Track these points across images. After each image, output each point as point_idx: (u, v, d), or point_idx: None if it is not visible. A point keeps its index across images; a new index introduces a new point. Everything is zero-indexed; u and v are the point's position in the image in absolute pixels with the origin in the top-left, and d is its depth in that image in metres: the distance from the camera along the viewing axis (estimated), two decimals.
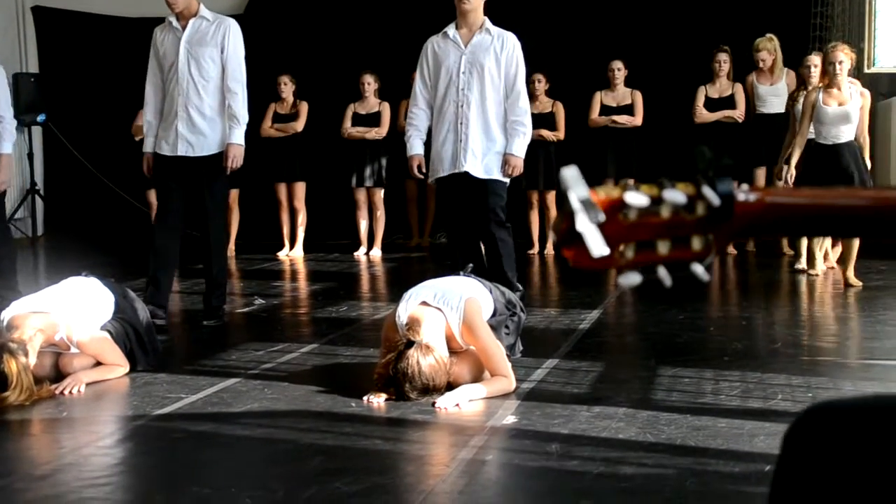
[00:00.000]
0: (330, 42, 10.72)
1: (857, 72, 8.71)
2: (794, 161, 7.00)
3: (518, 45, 5.45)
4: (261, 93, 9.79)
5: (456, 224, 5.61)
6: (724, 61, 8.89)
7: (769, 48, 8.61)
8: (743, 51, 9.07)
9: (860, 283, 6.63)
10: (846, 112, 6.72)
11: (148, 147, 5.71)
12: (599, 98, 9.24)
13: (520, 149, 5.41)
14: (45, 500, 2.81)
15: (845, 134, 6.75)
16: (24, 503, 2.79)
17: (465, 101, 5.37)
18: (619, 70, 9.19)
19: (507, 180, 5.47)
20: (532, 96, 9.30)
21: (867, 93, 7.01)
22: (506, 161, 5.38)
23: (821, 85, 6.95)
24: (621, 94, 9.22)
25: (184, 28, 5.60)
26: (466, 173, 5.39)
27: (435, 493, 2.79)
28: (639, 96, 9.17)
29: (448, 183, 5.50)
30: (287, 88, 9.56)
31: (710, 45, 9.13)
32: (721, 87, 8.91)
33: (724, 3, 9.97)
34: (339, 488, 2.83)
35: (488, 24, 5.43)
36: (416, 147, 5.55)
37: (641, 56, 9.64)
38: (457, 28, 5.43)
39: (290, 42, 10.80)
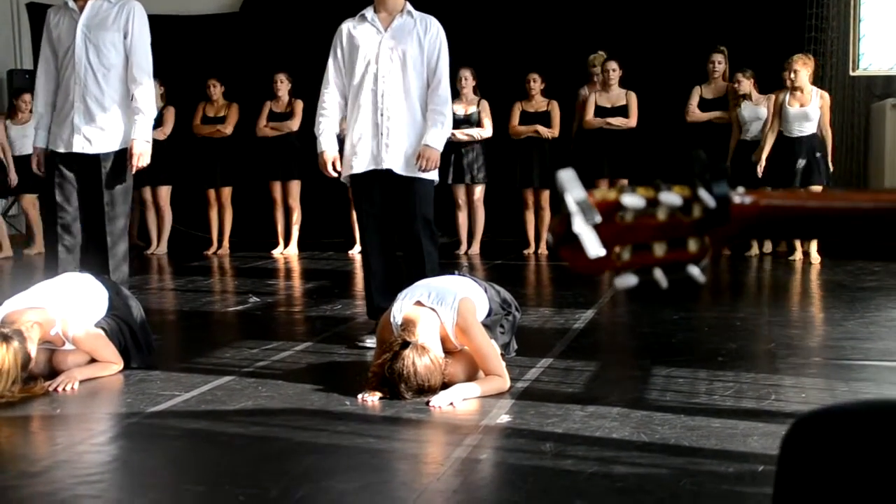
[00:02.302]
0: (324, 41, 10.70)
1: (842, 75, 8.84)
2: (765, 153, 8.21)
3: (442, 29, 4.95)
4: (256, 91, 9.82)
5: (372, 228, 5.01)
6: (718, 62, 8.93)
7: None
8: (739, 52, 9.11)
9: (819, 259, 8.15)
10: (805, 112, 8.07)
11: (39, 142, 5.27)
12: (594, 99, 9.24)
13: (437, 140, 4.86)
14: (38, 496, 2.81)
15: (806, 129, 8.09)
16: (19, 500, 2.79)
17: (386, 91, 4.85)
18: (614, 71, 9.20)
19: (436, 179, 4.98)
20: (528, 95, 9.37)
21: (826, 95, 8.27)
22: (420, 153, 4.83)
23: (787, 89, 8.18)
24: (616, 94, 9.23)
25: (81, 10, 5.16)
26: (389, 171, 4.88)
27: (429, 492, 2.79)
28: (633, 97, 9.18)
29: (365, 181, 4.95)
30: (283, 87, 9.56)
31: (705, 45, 9.15)
32: (716, 87, 8.93)
33: (719, 4, 9.99)
34: (333, 486, 2.83)
35: (409, 6, 4.95)
36: (328, 143, 4.95)
37: (636, 57, 9.65)
38: (375, 11, 4.95)
39: (285, 40, 10.79)
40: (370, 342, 4.74)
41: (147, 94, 5.22)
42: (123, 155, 5.20)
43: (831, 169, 8.17)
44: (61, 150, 5.21)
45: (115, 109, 5.19)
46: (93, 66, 5.14)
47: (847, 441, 1.25)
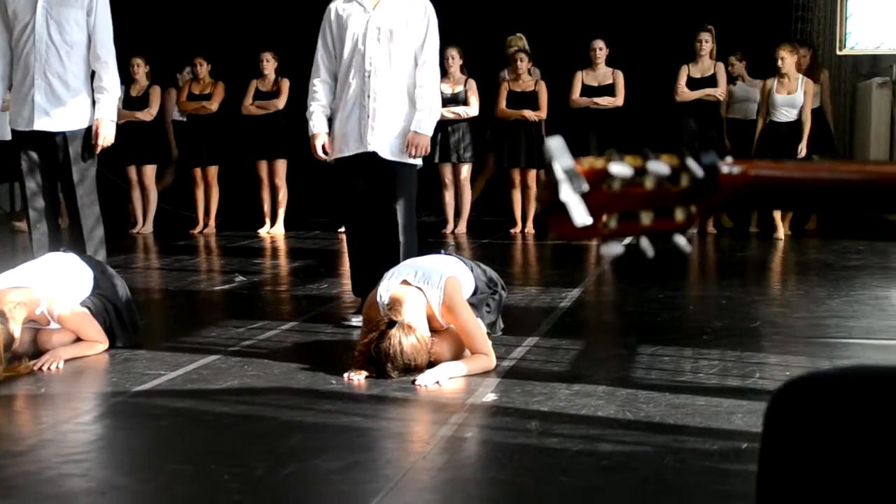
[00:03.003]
0: (311, 19, 10.65)
1: (828, 54, 8.90)
2: (756, 137, 8.62)
3: (431, 8, 4.84)
4: (243, 70, 9.76)
5: (357, 213, 4.96)
6: (705, 40, 8.92)
7: (520, 45, 9.62)
8: (725, 31, 9.11)
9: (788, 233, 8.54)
10: (792, 98, 8.46)
11: None
12: (581, 78, 9.23)
13: (426, 126, 4.77)
14: (24, 475, 2.80)
15: (792, 115, 8.48)
16: (3, 479, 2.78)
17: (373, 72, 4.75)
18: (601, 49, 9.19)
19: (419, 163, 4.90)
20: (515, 75, 9.35)
21: (811, 83, 8.58)
22: (409, 140, 4.74)
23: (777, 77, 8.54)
24: (602, 73, 9.22)
25: None
26: (374, 154, 4.79)
27: (415, 470, 2.80)
28: (620, 76, 9.17)
29: (352, 164, 4.86)
30: (269, 65, 9.51)
31: (692, 24, 9.15)
32: (703, 66, 8.93)
33: None
34: (318, 465, 2.83)
35: None
36: (319, 125, 4.86)
37: (623, 35, 9.64)
38: None
39: (271, 18, 10.73)
40: (356, 321, 4.74)
41: (111, 72, 5.13)
42: (88, 134, 5.13)
43: (802, 154, 8.41)
44: (21, 128, 5.12)
45: (80, 87, 5.12)
46: (55, 42, 5.05)
47: (828, 407, 1.25)
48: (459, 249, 7.96)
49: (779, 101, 8.46)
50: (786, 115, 8.48)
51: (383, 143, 4.80)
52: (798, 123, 8.45)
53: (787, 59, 8.39)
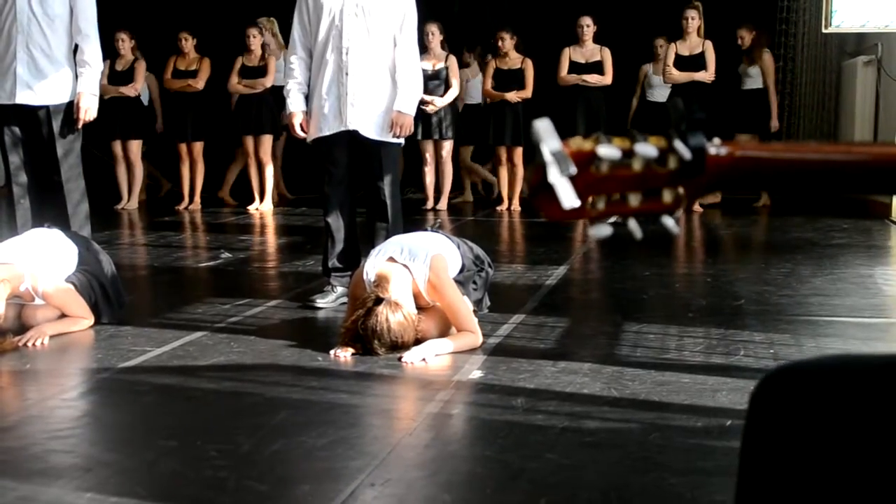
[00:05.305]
0: None
1: (814, 32, 8.98)
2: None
3: None
4: (229, 44, 9.69)
5: (334, 188, 4.87)
6: (692, 17, 8.88)
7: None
8: (712, 8, 9.09)
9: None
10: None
11: None
12: (568, 54, 9.21)
13: (409, 105, 4.74)
14: (9, 451, 2.80)
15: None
16: None
17: (351, 48, 4.67)
18: (588, 26, 9.16)
19: (402, 142, 4.87)
20: (501, 53, 9.31)
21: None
22: (393, 120, 4.70)
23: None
24: (590, 50, 9.19)
25: None
26: (356, 132, 4.75)
27: (401, 447, 2.81)
28: (608, 53, 9.15)
29: (331, 142, 4.80)
30: (255, 41, 9.44)
31: (679, 1, 9.12)
32: (691, 44, 8.90)
33: None
34: (304, 442, 2.83)
35: None
36: (296, 103, 4.81)
37: (610, 12, 9.61)
38: None
39: None
40: (321, 302, 4.75)
41: (93, 46, 5.09)
42: (71, 108, 5.09)
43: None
44: (3, 101, 5.09)
45: (62, 61, 5.08)
46: (37, 15, 5.01)
47: (814, 396, 1.26)
48: (442, 226, 7.95)
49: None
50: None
51: (366, 121, 4.74)
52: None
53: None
